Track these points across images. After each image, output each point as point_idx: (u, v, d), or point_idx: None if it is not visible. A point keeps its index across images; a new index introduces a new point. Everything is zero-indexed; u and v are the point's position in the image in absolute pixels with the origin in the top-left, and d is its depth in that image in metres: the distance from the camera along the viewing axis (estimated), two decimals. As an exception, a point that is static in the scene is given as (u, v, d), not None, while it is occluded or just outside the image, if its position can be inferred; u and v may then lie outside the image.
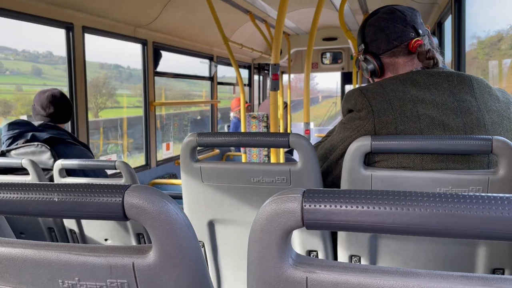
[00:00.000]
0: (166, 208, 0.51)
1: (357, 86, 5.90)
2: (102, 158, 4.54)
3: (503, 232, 0.41)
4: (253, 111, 6.78)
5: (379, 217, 0.44)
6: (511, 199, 0.41)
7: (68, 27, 2.96)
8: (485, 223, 0.41)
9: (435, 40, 1.31)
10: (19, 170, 1.95)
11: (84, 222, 1.90)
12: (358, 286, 0.46)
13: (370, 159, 1.20)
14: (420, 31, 1.26)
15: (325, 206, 0.45)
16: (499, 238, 0.42)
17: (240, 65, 6.44)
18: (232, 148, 6.02)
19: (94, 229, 1.90)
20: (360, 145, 1.15)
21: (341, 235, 1.24)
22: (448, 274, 0.45)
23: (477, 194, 0.43)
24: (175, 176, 4.42)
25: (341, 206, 0.45)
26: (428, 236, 0.44)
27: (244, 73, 6.90)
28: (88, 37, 3.13)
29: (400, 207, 0.43)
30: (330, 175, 1.35)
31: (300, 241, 1.34)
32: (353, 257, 1.22)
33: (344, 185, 1.20)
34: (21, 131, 2.12)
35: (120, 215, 0.50)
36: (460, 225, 0.42)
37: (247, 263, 0.52)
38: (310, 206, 0.46)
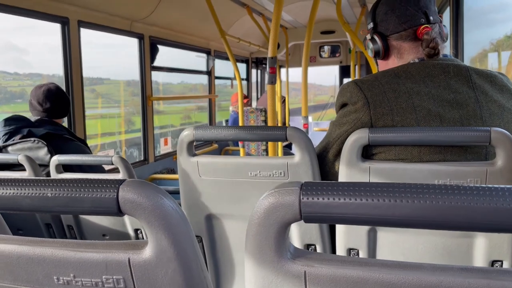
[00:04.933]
0: (161, 203, 0.50)
1: (355, 79, 5.86)
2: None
3: (503, 224, 0.41)
4: (251, 106, 6.76)
5: (378, 210, 0.43)
6: (511, 190, 0.41)
7: (64, 22, 2.93)
8: (485, 215, 0.41)
9: (445, 30, 1.28)
10: (16, 166, 1.94)
11: (82, 218, 1.89)
12: (357, 280, 0.46)
13: (368, 152, 1.19)
14: (431, 18, 1.23)
15: (323, 199, 0.45)
16: (499, 230, 0.42)
17: (238, 59, 6.42)
18: (231, 142, 6.01)
19: (92, 225, 1.89)
20: (358, 138, 1.14)
21: (339, 229, 1.23)
22: (448, 267, 0.44)
23: (477, 185, 0.42)
24: (173, 171, 4.41)
25: (339, 199, 0.44)
26: (428, 228, 0.44)
27: (242, 67, 6.88)
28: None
29: (399, 199, 0.43)
30: (328, 175, 1.33)
31: (298, 235, 1.34)
32: (351, 250, 1.22)
33: (342, 178, 1.20)
34: (17, 126, 2.10)
35: (114, 210, 0.49)
36: (460, 217, 0.41)
37: (245, 257, 0.51)
38: (308, 199, 0.45)
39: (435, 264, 0.45)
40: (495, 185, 0.42)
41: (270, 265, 0.49)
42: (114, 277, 0.52)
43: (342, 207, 0.44)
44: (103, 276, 0.52)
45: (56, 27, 2.94)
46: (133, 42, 3.87)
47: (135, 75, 3.97)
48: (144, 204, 0.49)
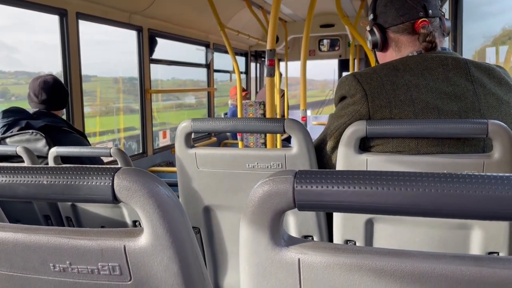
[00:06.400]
0: (156, 191, 0.50)
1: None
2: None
3: (497, 212, 0.41)
4: (250, 99, 6.75)
5: (372, 197, 0.44)
6: (505, 178, 0.41)
7: (62, 14, 2.91)
8: (478, 203, 0.41)
9: (447, 24, 1.28)
10: (14, 158, 1.94)
11: (80, 209, 1.89)
12: (351, 267, 0.46)
13: (365, 144, 1.19)
14: (430, 12, 1.23)
15: (316, 187, 0.45)
16: (492, 218, 0.42)
17: (237, 52, 6.39)
18: (229, 136, 6.00)
19: (90, 216, 1.89)
20: (355, 130, 1.15)
21: (336, 220, 1.24)
22: (441, 254, 0.45)
23: (470, 174, 0.42)
24: (172, 164, 4.41)
25: (333, 187, 0.45)
26: (421, 216, 0.44)
27: (241, 61, 6.86)
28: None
29: (393, 187, 0.43)
30: (325, 167, 1.33)
31: (295, 226, 1.35)
32: (348, 242, 1.23)
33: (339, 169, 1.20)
34: (15, 118, 2.10)
35: (110, 198, 0.50)
36: (453, 204, 0.42)
37: (239, 245, 0.51)
38: (301, 187, 0.45)
39: (428, 252, 0.45)
40: (487, 173, 0.42)
41: (264, 252, 0.49)
42: (109, 264, 0.52)
43: (336, 195, 0.44)
44: (99, 263, 0.53)
45: (49, 25, 2.92)
46: (125, 38, 3.83)
47: (124, 72, 3.93)
48: (140, 192, 0.49)
